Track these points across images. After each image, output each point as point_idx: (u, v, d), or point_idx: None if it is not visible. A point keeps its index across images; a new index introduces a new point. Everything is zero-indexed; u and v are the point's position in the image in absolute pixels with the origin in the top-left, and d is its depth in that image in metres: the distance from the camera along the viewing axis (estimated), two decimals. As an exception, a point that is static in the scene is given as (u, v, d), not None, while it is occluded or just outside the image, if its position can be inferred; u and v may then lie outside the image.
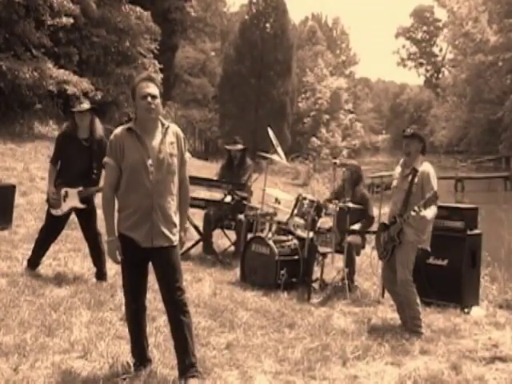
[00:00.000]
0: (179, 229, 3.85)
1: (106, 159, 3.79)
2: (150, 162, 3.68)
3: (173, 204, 3.78)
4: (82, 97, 6.09)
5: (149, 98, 3.66)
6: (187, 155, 3.94)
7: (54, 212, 5.91)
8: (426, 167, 5.27)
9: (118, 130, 3.79)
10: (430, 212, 5.08)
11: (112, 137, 3.79)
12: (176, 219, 3.82)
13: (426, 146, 5.39)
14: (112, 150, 3.75)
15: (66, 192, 5.84)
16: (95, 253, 5.98)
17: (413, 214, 5.01)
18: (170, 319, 3.79)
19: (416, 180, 5.21)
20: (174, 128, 3.85)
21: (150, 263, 3.84)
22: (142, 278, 3.84)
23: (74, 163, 5.81)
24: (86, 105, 5.83)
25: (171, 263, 3.76)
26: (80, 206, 5.87)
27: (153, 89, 3.70)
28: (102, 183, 5.69)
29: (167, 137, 3.77)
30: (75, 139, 5.80)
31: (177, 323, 3.74)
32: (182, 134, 3.88)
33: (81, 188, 5.83)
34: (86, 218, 5.99)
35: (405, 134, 5.30)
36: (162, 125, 3.79)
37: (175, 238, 3.80)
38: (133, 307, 3.85)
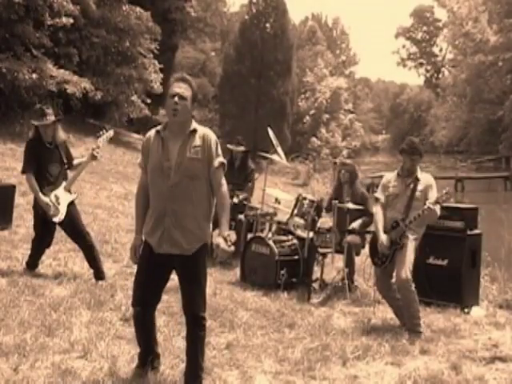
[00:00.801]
0: (218, 233, 3.62)
1: (138, 160, 3.81)
2: (167, 165, 3.58)
3: (192, 211, 3.60)
4: (45, 107, 6.00)
5: (176, 98, 3.55)
6: (220, 159, 3.69)
7: (56, 220, 5.90)
8: (428, 177, 5.58)
9: (150, 133, 3.75)
10: (438, 210, 5.30)
11: (144, 138, 3.81)
12: (197, 228, 3.63)
13: None
14: (142, 151, 3.77)
15: (56, 195, 5.88)
16: (89, 253, 5.99)
17: (426, 206, 5.21)
18: (186, 328, 3.74)
19: (420, 187, 5.43)
20: (203, 132, 3.67)
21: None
22: (153, 284, 3.74)
23: (47, 165, 5.89)
24: (50, 117, 5.85)
25: (187, 274, 3.66)
26: (73, 197, 6.00)
27: (183, 89, 3.56)
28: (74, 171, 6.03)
29: (191, 140, 3.62)
30: (41, 144, 5.89)
31: (190, 335, 3.70)
32: (213, 139, 3.67)
33: (64, 183, 5.95)
34: (68, 224, 5.98)
35: (414, 159, 5.49)
36: (190, 128, 3.65)
37: (190, 247, 3.62)
38: (136, 310, 3.80)
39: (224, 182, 3.73)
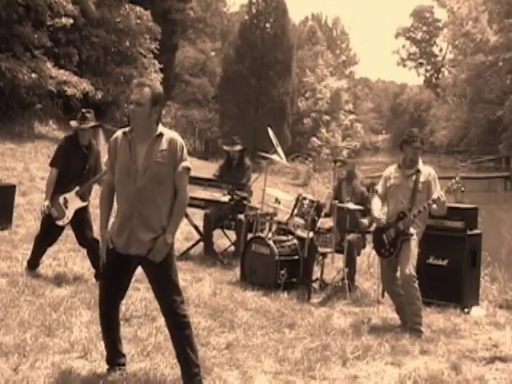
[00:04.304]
0: (166, 232, 3.65)
1: (105, 159, 3.84)
2: (134, 168, 3.64)
3: (158, 213, 3.65)
4: (86, 111, 6.03)
5: (131, 105, 3.67)
6: (184, 164, 3.70)
7: (60, 223, 5.90)
8: (430, 169, 5.63)
9: (117, 133, 3.80)
10: (446, 204, 5.40)
11: (111, 138, 3.83)
12: (162, 229, 3.66)
13: None
14: (109, 151, 3.81)
15: (65, 198, 5.87)
16: (93, 255, 5.98)
17: (436, 196, 5.28)
18: (169, 331, 3.77)
19: (422, 179, 5.47)
20: (170, 136, 3.71)
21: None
22: (119, 284, 3.80)
23: (73, 167, 5.88)
24: (90, 122, 5.90)
25: (158, 274, 3.70)
26: (83, 204, 5.93)
27: (139, 96, 3.63)
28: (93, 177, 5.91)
29: (157, 144, 3.66)
30: (77, 145, 5.92)
31: (173, 336, 3.73)
32: (180, 144, 3.71)
33: (77, 188, 5.90)
34: (80, 227, 5.99)
35: (416, 146, 5.52)
36: (157, 132, 3.69)
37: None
38: (102, 308, 3.84)
39: (185, 187, 3.77)
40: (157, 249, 3.63)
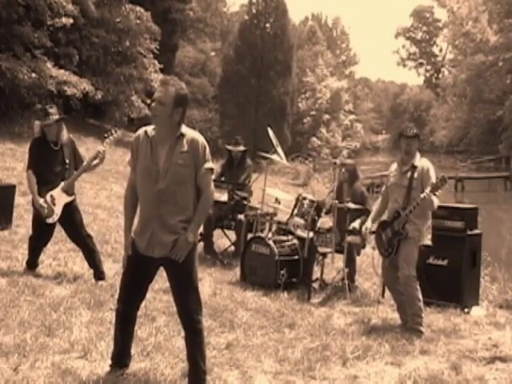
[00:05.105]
0: (188, 231, 3.60)
1: (128, 158, 3.79)
2: (155, 169, 3.57)
3: (179, 214, 3.59)
4: (48, 106, 6.01)
5: (153, 103, 3.58)
6: (207, 165, 3.62)
7: (50, 221, 5.90)
8: (424, 163, 5.47)
9: (139, 132, 3.74)
10: (436, 199, 5.27)
11: (133, 137, 3.79)
12: (184, 230, 3.60)
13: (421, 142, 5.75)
14: (132, 150, 3.75)
15: (52, 196, 5.86)
16: (89, 254, 5.99)
17: (422, 196, 5.17)
18: (184, 332, 3.75)
19: (416, 175, 5.38)
20: (191, 136, 3.61)
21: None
22: (139, 285, 3.77)
23: (49, 165, 5.87)
24: (54, 116, 5.84)
25: (179, 274, 3.67)
26: (70, 198, 5.94)
27: (162, 94, 3.53)
28: (75, 172, 5.93)
29: (178, 145, 3.58)
30: (46, 144, 5.89)
31: (188, 340, 3.72)
32: (201, 144, 3.61)
33: (62, 184, 5.89)
34: (71, 226, 5.99)
35: (408, 135, 5.44)
36: (178, 133, 3.61)
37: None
38: (120, 308, 3.82)
39: (211, 186, 3.71)
40: (178, 247, 3.57)
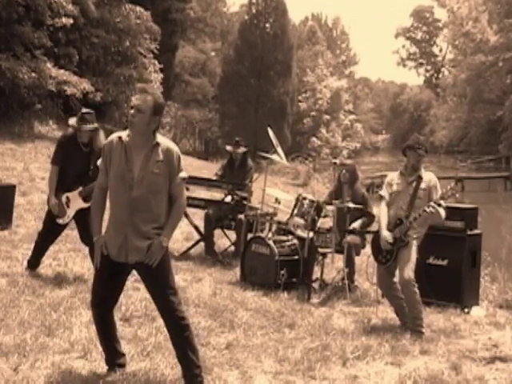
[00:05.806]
0: (162, 235, 3.63)
1: (99, 161, 3.78)
2: (130, 176, 3.58)
3: (152, 220, 3.62)
4: (86, 112, 5.98)
5: (132, 110, 3.58)
6: (181, 175, 3.68)
7: (60, 221, 5.89)
8: (432, 176, 5.57)
9: (112, 137, 3.71)
10: (443, 211, 5.35)
11: (106, 141, 3.77)
12: (157, 235, 3.63)
13: None
14: (104, 154, 3.72)
15: (67, 197, 5.85)
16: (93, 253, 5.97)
17: (430, 210, 5.24)
18: (169, 334, 3.76)
19: (423, 186, 5.43)
20: (166, 146, 3.64)
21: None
22: (111, 289, 3.78)
23: (74, 165, 5.84)
24: (88, 126, 5.79)
25: (153, 278, 3.67)
26: (85, 205, 5.85)
27: (141, 101, 3.55)
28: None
29: (154, 154, 3.60)
30: (76, 143, 5.86)
31: (173, 338, 3.73)
32: (176, 154, 3.65)
33: (80, 188, 5.86)
34: (84, 226, 5.93)
35: (419, 153, 5.48)
36: (153, 141, 3.62)
37: None
38: (95, 313, 3.82)
39: (184, 194, 3.78)
40: (152, 252, 3.59)
